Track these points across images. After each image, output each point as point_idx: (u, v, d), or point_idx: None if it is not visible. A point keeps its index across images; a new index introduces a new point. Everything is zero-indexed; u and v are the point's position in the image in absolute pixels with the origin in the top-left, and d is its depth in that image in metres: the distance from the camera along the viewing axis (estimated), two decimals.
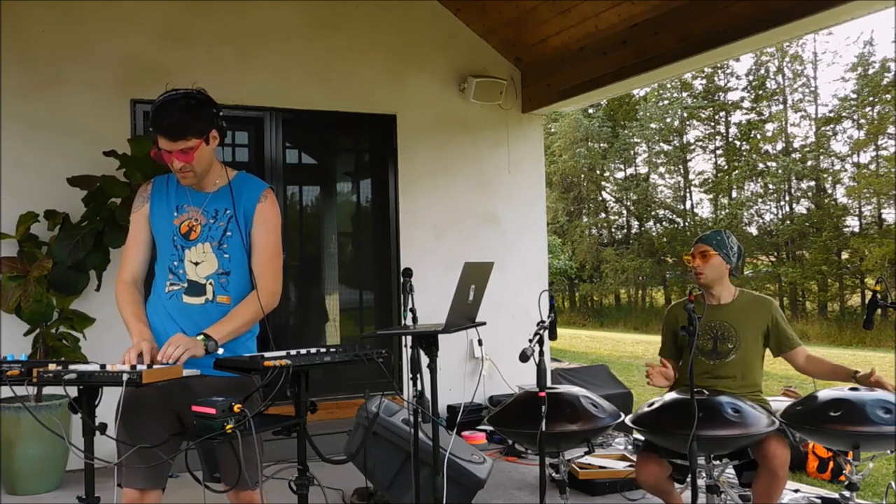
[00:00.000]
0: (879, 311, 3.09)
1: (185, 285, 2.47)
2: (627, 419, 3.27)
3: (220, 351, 2.31)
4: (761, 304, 3.50)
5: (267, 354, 2.15)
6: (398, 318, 5.90)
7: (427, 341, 3.03)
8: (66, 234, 4.67)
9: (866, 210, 22.49)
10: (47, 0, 5.13)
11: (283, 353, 2.20)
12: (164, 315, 2.47)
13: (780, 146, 24.12)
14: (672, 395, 3.27)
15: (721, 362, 3.43)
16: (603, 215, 28.69)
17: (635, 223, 28.05)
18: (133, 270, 2.54)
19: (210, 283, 2.47)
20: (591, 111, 26.69)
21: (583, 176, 27.52)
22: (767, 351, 3.52)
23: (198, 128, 2.38)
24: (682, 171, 26.66)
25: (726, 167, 25.18)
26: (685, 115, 25.83)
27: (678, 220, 26.80)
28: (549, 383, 2.84)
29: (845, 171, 22.88)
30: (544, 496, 2.84)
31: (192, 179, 2.46)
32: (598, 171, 27.74)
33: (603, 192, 28.61)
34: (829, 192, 23.03)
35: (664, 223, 27.11)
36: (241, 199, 2.50)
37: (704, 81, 25.42)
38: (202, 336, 2.31)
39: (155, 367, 2.13)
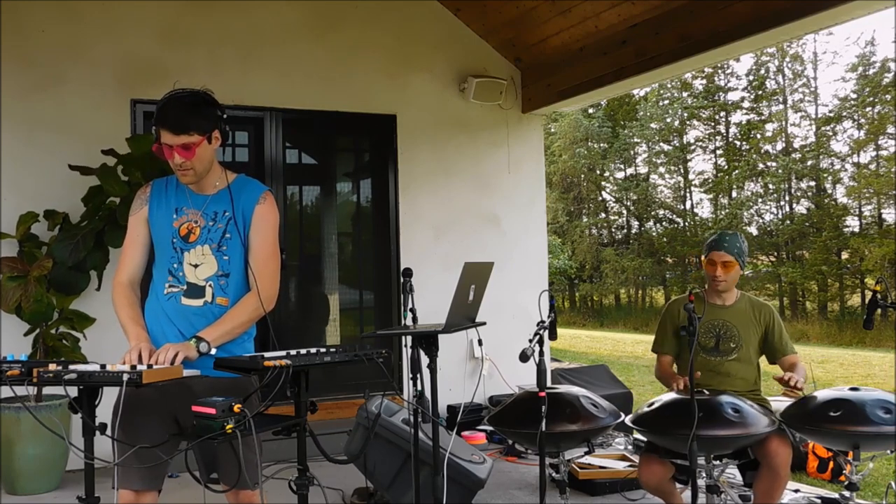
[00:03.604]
0: (879, 311, 3.09)
1: (185, 287, 2.47)
2: (627, 419, 3.28)
3: (213, 352, 2.30)
4: (762, 310, 3.55)
5: (267, 354, 2.15)
6: (398, 318, 5.89)
7: (427, 341, 3.03)
8: (67, 233, 4.67)
9: (866, 210, 22.53)
10: (47, 0, 5.13)
11: (283, 353, 2.20)
12: (162, 317, 2.47)
13: (780, 146, 24.14)
14: (672, 395, 3.27)
15: (723, 360, 3.46)
16: (603, 215, 28.70)
17: (635, 223, 28.07)
18: (130, 272, 2.54)
19: (209, 286, 2.47)
20: (591, 111, 26.70)
21: (583, 176, 27.53)
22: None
23: (201, 125, 2.39)
24: (682, 171, 26.68)
25: (726, 167, 25.19)
26: (685, 115, 25.84)
27: (678, 220, 26.82)
28: (549, 383, 2.84)
29: (845, 171, 22.92)
30: (544, 496, 2.84)
31: (192, 178, 2.45)
32: (598, 171, 27.75)
33: (603, 192, 28.62)
34: (829, 192, 23.05)
35: (664, 223, 27.12)
36: (240, 201, 2.50)
37: (704, 81, 25.44)
38: (194, 339, 2.31)
39: (155, 367, 2.13)
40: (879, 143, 21.84)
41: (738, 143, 25.37)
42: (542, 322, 2.96)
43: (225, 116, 2.48)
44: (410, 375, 3.16)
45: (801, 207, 23.68)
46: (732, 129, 25.67)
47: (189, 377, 2.24)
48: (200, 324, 2.42)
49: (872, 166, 22.06)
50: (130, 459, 2.18)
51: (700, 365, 3.42)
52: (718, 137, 26.03)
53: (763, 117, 24.57)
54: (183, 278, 2.47)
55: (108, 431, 2.14)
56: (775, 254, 24.03)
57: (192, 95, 2.41)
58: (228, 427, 1.92)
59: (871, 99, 21.54)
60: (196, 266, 2.47)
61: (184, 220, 2.50)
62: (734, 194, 25.15)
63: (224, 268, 2.48)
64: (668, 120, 26.03)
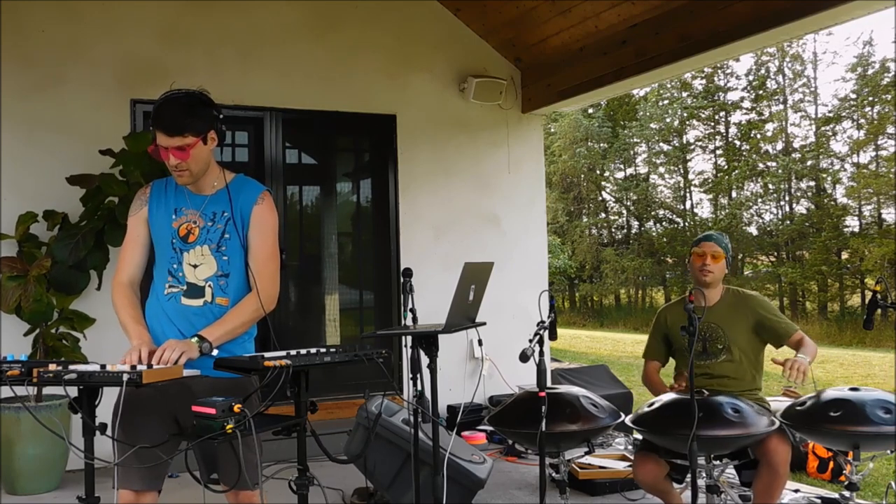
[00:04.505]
0: (879, 311, 3.09)
1: (185, 288, 2.47)
2: (627, 419, 3.27)
3: (215, 352, 2.30)
4: (746, 301, 3.54)
5: (267, 354, 2.15)
6: (398, 318, 5.89)
7: (427, 341, 3.03)
8: (66, 233, 4.67)
9: (866, 210, 22.51)
10: (47, 0, 5.13)
11: (283, 353, 2.20)
12: (162, 317, 2.47)
13: (780, 146, 24.13)
14: (672, 395, 3.27)
15: (713, 362, 3.46)
16: (603, 215, 28.69)
17: (635, 223, 28.06)
18: (130, 273, 2.54)
19: (209, 286, 2.47)
20: (591, 111, 26.69)
21: (583, 176, 27.52)
22: (769, 349, 3.54)
23: (196, 126, 2.39)
24: (682, 171, 26.67)
25: (726, 167, 25.18)
26: (685, 115, 25.83)
27: (678, 220, 26.81)
28: (549, 383, 2.84)
29: (845, 171, 22.90)
30: (544, 496, 2.84)
31: (188, 178, 2.46)
32: (598, 171, 27.74)
33: (603, 192, 28.61)
34: (829, 192, 23.04)
35: (664, 223, 27.12)
36: (239, 201, 2.50)
37: (704, 81, 25.42)
38: (196, 338, 2.31)
39: (155, 367, 2.13)
40: (879, 143, 21.83)
41: (737, 143, 25.36)
42: (542, 322, 2.96)
43: (221, 116, 2.48)
44: (410, 375, 3.16)
45: (801, 207, 23.68)
46: (732, 129, 25.68)
47: (189, 377, 2.24)
48: (200, 324, 2.42)
49: (872, 166, 22.05)
50: (130, 459, 2.18)
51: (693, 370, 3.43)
52: (718, 137, 26.03)
53: (763, 117, 24.57)
54: (183, 279, 2.47)
55: (108, 431, 2.14)
56: (775, 254, 24.03)
57: (187, 96, 2.41)
58: (228, 427, 1.92)
59: (871, 99, 21.54)
60: (195, 266, 2.47)
61: (183, 220, 2.51)
62: (734, 194, 25.14)
63: (223, 268, 2.48)
64: (668, 120, 26.02)
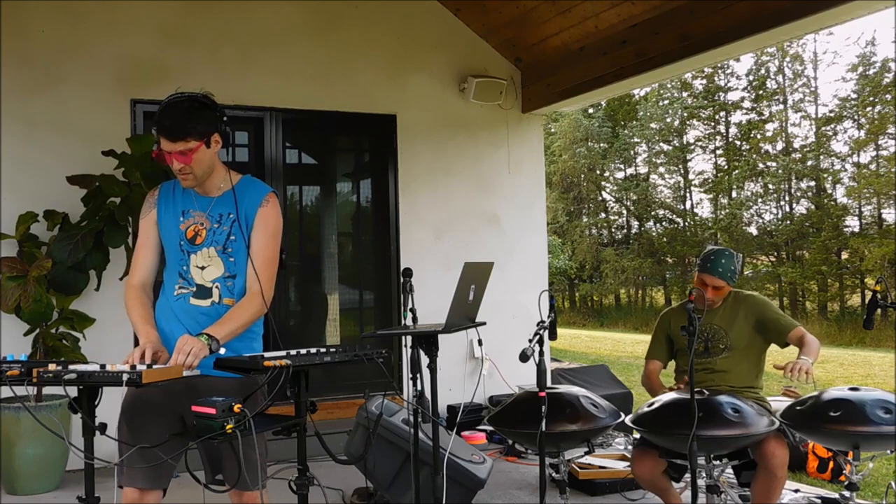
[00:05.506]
0: (879, 311, 3.09)
1: (194, 289, 2.49)
2: (627, 419, 3.28)
3: (222, 351, 2.31)
4: (746, 302, 3.57)
5: (267, 354, 2.15)
6: (398, 318, 5.89)
7: (427, 341, 3.03)
8: (66, 233, 4.66)
9: (866, 210, 22.52)
10: (47, 0, 5.13)
11: (283, 353, 2.20)
12: (170, 317, 2.49)
13: (780, 146, 24.13)
14: (672, 395, 3.27)
15: (714, 359, 3.49)
16: (603, 215, 28.69)
17: (635, 223, 28.06)
18: (142, 275, 2.55)
19: (216, 287, 2.49)
20: (591, 111, 26.69)
21: (583, 176, 27.52)
22: (771, 352, 3.55)
23: (198, 130, 2.39)
24: (682, 171, 26.67)
25: (726, 167, 25.18)
26: (685, 115, 25.83)
27: (678, 220, 26.81)
28: (549, 383, 2.84)
29: (845, 171, 22.90)
30: (544, 496, 2.84)
31: (192, 182, 2.47)
32: (598, 171, 27.74)
33: (603, 192, 28.61)
34: (829, 192, 23.03)
35: (664, 223, 27.11)
36: (244, 203, 2.51)
37: (704, 81, 25.42)
38: (205, 336, 2.31)
39: (155, 366, 2.13)
40: (879, 143, 21.83)
41: (738, 143, 25.36)
42: (542, 322, 2.96)
43: (225, 118, 2.49)
44: (410, 375, 3.16)
45: (801, 207, 23.68)
46: (732, 129, 25.67)
47: (192, 377, 2.24)
48: (207, 323, 2.43)
49: (872, 166, 22.05)
50: (134, 458, 2.18)
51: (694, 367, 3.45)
52: (718, 137, 26.02)
53: (763, 117, 24.56)
54: (192, 280, 2.50)
55: (109, 431, 2.14)
56: (775, 254, 24.03)
57: (189, 100, 2.42)
58: (228, 427, 1.92)
59: (872, 99, 21.53)
60: (203, 268, 2.49)
61: (190, 222, 2.53)
62: (734, 194, 25.13)
63: (230, 269, 2.49)
64: (668, 120, 26.02)
